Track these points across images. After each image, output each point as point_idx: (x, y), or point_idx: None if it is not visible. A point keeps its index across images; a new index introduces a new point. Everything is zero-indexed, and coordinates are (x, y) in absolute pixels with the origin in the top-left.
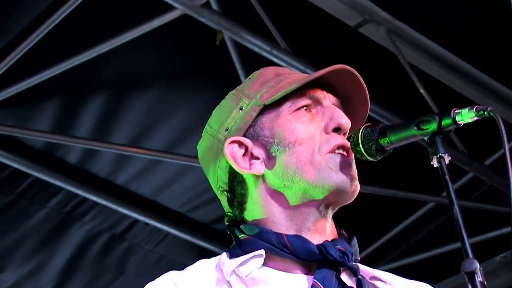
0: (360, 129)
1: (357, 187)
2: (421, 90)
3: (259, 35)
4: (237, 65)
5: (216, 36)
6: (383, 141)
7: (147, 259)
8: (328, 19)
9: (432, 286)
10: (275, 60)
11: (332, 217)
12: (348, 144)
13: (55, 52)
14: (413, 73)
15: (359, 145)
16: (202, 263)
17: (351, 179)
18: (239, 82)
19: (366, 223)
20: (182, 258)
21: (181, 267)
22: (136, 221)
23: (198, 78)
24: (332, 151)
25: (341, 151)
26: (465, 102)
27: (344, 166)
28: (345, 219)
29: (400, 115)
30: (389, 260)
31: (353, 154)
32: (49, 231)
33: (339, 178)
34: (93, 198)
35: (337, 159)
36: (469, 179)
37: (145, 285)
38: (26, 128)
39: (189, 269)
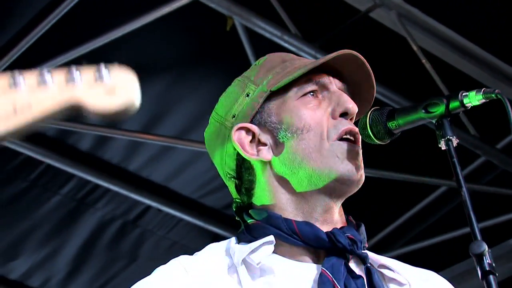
0: (368, 112)
1: (362, 176)
2: (432, 74)
3: (269, 21)
4: (248, 51)
5: (226, 22)
6: (391, 124)
7: (160, 245)
8: (338, 4)
9: (438, 273)
10: (286, 45)
11: (343, 202)
12: (356, 129)
13: (66, 39)
14: (424, 56)
15: (367, 128)
16: (212, 248)
17: (357, 168)
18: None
19: (378, 207)
20: (194, 244)
21: (193, 253)
22: (148, 207)
23: (209, 64)
24: (340, 137)
25: (348, 136)
26: (476, 86)
27: (351, 155)
28: (357, 204)
29: (411, 99)
30: (402, 245)
31: (360, 141)
32: (62, 218)
33: (345, 168)
34: (106, 184)
35: (344, 146)
36: (481, 163)
37: (156, 269)
38: None
39: (199, 254)
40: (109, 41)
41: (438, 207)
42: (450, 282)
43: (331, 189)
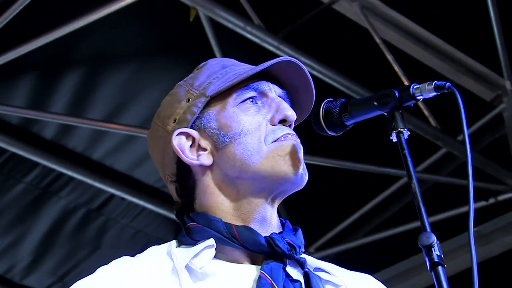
0: (321, 104)
1: (305, 174)
2: (394, 66)
3: (232, 11)
4: (212, 41)
5: (189, 12)
6: (344, 116)
7: (123, 234)
8: None
9: (373, 276)
10: (249, 36)
11: (303, 195)
12: (295, 135)
13: (31, 28)
14: (386, 49)
15: (320, 120)
16: (153, 251)
17: (299, 165)
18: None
19: (339, 198)
20: (158, 232)
21: (157, 241)
22: (112, 196)
23: (173, 54)
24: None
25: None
26: (437, 77)
27: (292, 153)
28: (318, 195)
29: (374, 91)
30: (363, 235)
31: (300, 143)
32: (25, 206)
33: (287, 166)
34: (69, 173)
35: (284, 146)
36: (442, 154)
37: (96, 270)
38: (2, 104)
39: (140, 256)
40: (73, 31)
41: (400, 197)
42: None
43: (273, 189)
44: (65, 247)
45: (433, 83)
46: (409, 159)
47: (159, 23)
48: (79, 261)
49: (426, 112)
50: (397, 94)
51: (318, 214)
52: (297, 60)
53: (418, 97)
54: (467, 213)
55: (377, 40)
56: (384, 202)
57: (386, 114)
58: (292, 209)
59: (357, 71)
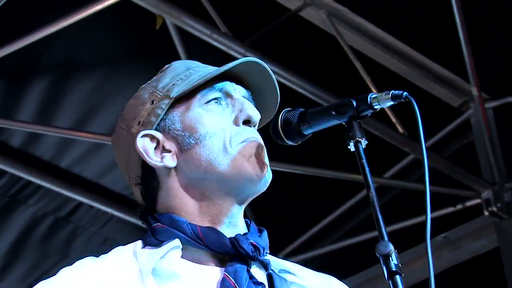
0: (279, 114)
1: (269, 175)
2: (362, 73)
3: (199, 19)
4: (179, 49)
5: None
6: (302, 126)
7: (92, 241)
8: (268, 3)
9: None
10: (216, 44)
11: (273, 201)
12: (258, 136)
13: None
14: (354, 56)
15: (278, 130)
16: (118, 252)
17: (264, 166)
18: None
19: (308, 205)
20: (127, 239)
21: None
22: (80, 203)
23: (141, 61)
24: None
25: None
26: (405, 84)
27: (256, 155)
28: (287, 201)
29: (341, 98)
30: (333, 241)
31: (263, 145)
32: None
33: (251, 167)
34: (37, 181)
35: (249, 147)
36: (410, 160)
37: (59, 271)
38: None
39: (105, 257)
40: (40, 39)
41: (368, 204)
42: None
43: (239, 190)
44: (33, 255)
45: (390, 93)
46: (366, 168)
47: (126, 31)
48: (48, 269)
49: (393, 119)
50: (354, 104)
51: (287, 220)
52: (260, 61)
53: (376, 107)
54: (435, 219)
55: (344, 47)
56: (353, 209)
57: (344, 123)
58: (261, 216)
59: (324, 78)
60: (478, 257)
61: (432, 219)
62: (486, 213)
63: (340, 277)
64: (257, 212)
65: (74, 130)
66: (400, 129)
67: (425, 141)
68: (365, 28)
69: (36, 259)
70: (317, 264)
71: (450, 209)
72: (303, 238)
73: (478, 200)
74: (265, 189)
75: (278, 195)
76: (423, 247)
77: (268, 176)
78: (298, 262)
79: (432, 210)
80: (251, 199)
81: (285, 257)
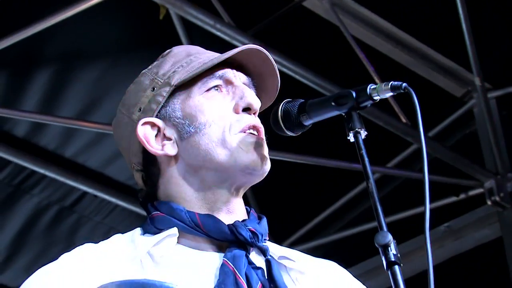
0: (280, 104)
1: (267, 166)
2: (365, 63)
3: (202, 9)
4: (183, 39)
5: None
6: (302, 117)
7: (96, 231)
8: None
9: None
10: (219, 33)
11: (276, 190)
12: (259, 123)
13: (1, 26)
14: (357, 46)
15: (278, 120)
16: (117, 238)
17: (262, 158)
18: None
19: (312, 194)
20: (131, 229)
21: None
22: (85, 193)
23: (144, 51)
24: (243, 131)
25: (252, 131)
26: (408, 74)
27: (255, 146)
28: (291, 191)
29: (344, 88)
30: (336, 230)
31: (264, 133)
32: None
33: (250, 158)
34: (42, 171)
35: (248, 139)
36: (413, 150)
37: (60, 256)
38: None
39: (104, 243)
40: (44, 29)
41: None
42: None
43: (236, 180)
44: (38, 244)
45: (390, 84)
46: (366, 159)
47: (129, 21)
48: (53, 258)
49: (396, 108)
50: (354, 95)
51: (291, 210)
52: (260, 47)
53: (375, 98)
54: (438, 208)
55: (348, 37)
56: (356, 199)
57: (343, 114)
58: (265, 205)
59: (327, 68)
60: (481, 246)
61: (435, 209)
62: (489, 202)
63: (343, 267)
64: (260, 201)
65: (78, 120)
66: (403, 119)
67: (428, 131)
68: (368, 18)
69: (41, 248)
70: (320, 254)
71: (453, 199)
72: (306, 228)
73: (481, 190)
74: (261, 178)
75: (281, 184)
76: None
77: (266, 168)
78: (301, 252)
79: (435, 200)
80: (248, 186)
81: (289, 246)
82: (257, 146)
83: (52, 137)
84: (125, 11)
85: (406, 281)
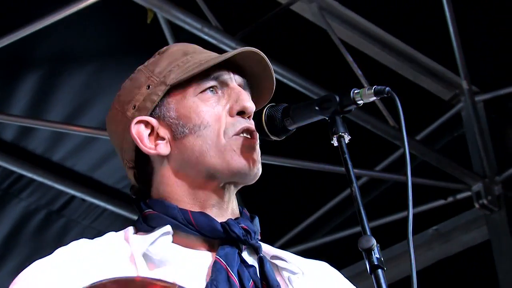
0: (263, 109)
1: (259, 170)
2: (352, 67)
3: (189, 13)
4: (171, 43)
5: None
6: (286, 121)
7: (85, 235)
8: None
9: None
10: (206, 37)
11: (266, 193)
12: (253, 127)
13: None
14: (345, 49)
15: (262, 125)
16: (111, 236)
17: (253, 162)
18: None
19: (301, 197)
20: None
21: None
22: (73, 197)
23: (132, 55)
24: (237, 135)
25: (245, 134)
26: (396, 78)
27: (248, 149)
28: (280, 194)
29: (332, 92)
30: (325, 234)
31: (258, 137)
32: None
33: (242, 162)
34: (30, 175)
35: (241, 142)
36: (401, 154)
37: (56, 249)
38: None
39: (99, 240)
40: (32, 33)
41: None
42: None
43: (228, 182)
44: (26, 249)
45: (373, 88)
46: (349, 163)
47: (117, 25)
48: None
49: (384, 112)
50: (337, 99)
51: (280, 213)
52: (257, 50)
53: (359, 102)
54: (426, 211)
55: (335, 41)
56: (344, 202)
57: (327, 118)
58: (253, 208)
59: (315, 72)
60: (469, 249)
61: (423, 212)
62: (476, 206)
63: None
64: (249, 205)
65: (66, 124)
66: (391, 122)
67: (416, 135)
68: (356, 22)
69: (29, 252)
70: (309, 257)
71: (441, 202)
72: (295, 231)
73: (469, 193)
74: (253, 181)
75: (271, 187)
76: (414, 240)
77: (258, 172)
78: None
79: (423, 203)
80: (240, 186)
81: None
82: (251, 149)
83: (40, 141)
84: (112, 15)
85: (397, 283)
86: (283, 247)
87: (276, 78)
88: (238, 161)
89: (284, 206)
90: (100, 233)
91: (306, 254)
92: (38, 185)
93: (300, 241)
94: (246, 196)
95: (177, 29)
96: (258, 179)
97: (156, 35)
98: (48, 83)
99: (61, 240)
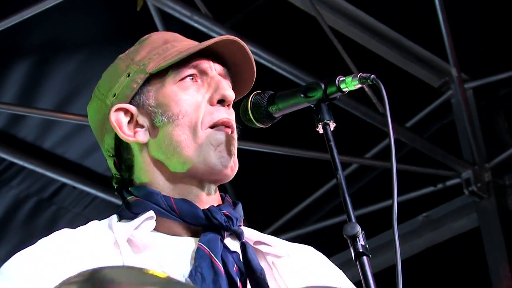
0: (249, 96)
1: (235, 165)
2: (342, 54)
3: (179, 0)
4: (160, 30)
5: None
6: (272, 108)
7: (75, 222)
8: None
9: (315, 248)
10: (196, 25)
11: (255, 181)
12: (232, 120)
13: None
14: (334, 37)
15: (248, 112)
16: (94, 225)
17: (229, 157)
18: None
19: (290, 185)
20: None
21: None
22: (63, 185)
23: (122, 43)
24: (214, 125)
25: (223, 127)
26: (385, 65)
27: (224, 144)
28: (270, 181)
29: (322, 79)
30: (315, 221)
31: (235, 130)
32: None
33: (217, 157)
34: (21, 162)
35: (217, 136)
36: None
37: (38, 240)
38: None
39: (81, 228)
40: (22, 20)
41: (349, 184)
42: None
43: (205, 176)
44: (17, 236)
45: (358, 75)
46: (335, 150)
47: (107, 12)
48: None
49: (373, 99)
50: (323, 86)
51: (270, 200)
52: (236, 38)
53: (344, 89)
54: (416, 198)
55: (325, 28)
56: (334, 189)
57: (312, 106)
58: (244, 195)
59: (305, 59)
60: (458, 236)
61: (413, 199)
62: (466, 192)
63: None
64: (239, 191)
65: (57, 111)
66: (380, 110)
67: (406, 122)
68: (345, 9)
69: (20, 240)
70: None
71: (431, 189)
72: (285, 218)
73: (458, 180)
74: (230, 178)
75: (260, 175)
76: (404, 227)
77: (233, 166)
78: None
79: (413, 190)
80: (218, 184)
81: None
82: (226, 143)
83: (30, 129)
84: (103, 3)
85: (387, 270)
86: (273, 234)
87: (265, 66)
88: (214, 156)
89: (274, 194)
90: (90, 221)
91: (296, 241)
92: (29, 173)
93: (290, 228)
94: (235, 184)
95: (167, 16)
96: (248, 166)
97: (146, 23)
98: (39, 71)
99: (52, 227)
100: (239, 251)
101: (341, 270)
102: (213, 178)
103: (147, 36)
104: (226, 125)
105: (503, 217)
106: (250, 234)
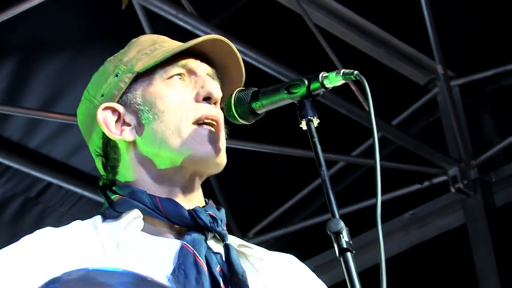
0: (233, 93)
1: (222, 158)
2: (328, 52)
3: None
4: (146, 29)
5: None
6: (255, 105)
7: (62, 221)
8: None
9: (300, 259)
10: (181, 23)
11: (242, 180)
12: (217, 115)
13: None
14: (320, 35)
15: (231, 109)
16: (78, 224)
17: (216, 151)
18: None
19: (277, 184)
20: None
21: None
22: (49, 184)
23: (108, 42)
24: (200, 121)
25: (209, 121)
26: (371, 63)
27: (209, 139)
28: (256, 180)
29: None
30: (301, 219)
31: (222, 126)
32: None
33: (203, 150)
34: (6, 162)
35: (202, 131)
36: (377, 138)
37: (21, 238)
38: None
39: (65, 227)
40: (6, 19)
41: (336, 182)
42: None
43: (192, 171)
44: (3, 235)
45: (341, 71)
46: (318, 147)
47: (92, 11)
48: None
49: (359, 97)
50: (306, 83)
51: (256, 199)
52: (224, 38)
53: (327, 85)
54: (402, 196)
55: (311, 26)
56: (320, 187)
57: (296, 102)
58: (230, 194)
59: (291, 57)
60: (445, 233)
61: (399, 197)
62: (452, 190)
63: (309, 256)
64: (226, 190)
65: (42, 110)
66: (367, 107)
67: (392, 119)
68: (331, 7)
69: (6, 239)
70: (285, 243)
71: (417, 186)
72: (272, 217)
73: (445, 177)
74: (216, 171)
75: (247, 174)
76: (391, 224)
77: (221, 161)
78: (267, 240)
79: (399, 187)
80: (205, 177)
81: (255, 235)
82: (211, 139)
83: (16, 128)
84: (88, 1)
85: (373, 268)
86: (259, 232)
87: (251, 64)
88: (199, 149)
89: (259, 193)
90: (77, 220)
91: (284, 239)
92: (15, 172)
93: (277, 226)
94: (222, 183)
95: (152, 15)
96: (234, 165)
97: (131, 21)
98: (24, 70)
99: (38, 227)
100: (222, 253)
101: (320, 280)
102: (200, 171)
103: (136, 38)
104: (210, 119)
105: (489, 214)
106: (233, 239)
